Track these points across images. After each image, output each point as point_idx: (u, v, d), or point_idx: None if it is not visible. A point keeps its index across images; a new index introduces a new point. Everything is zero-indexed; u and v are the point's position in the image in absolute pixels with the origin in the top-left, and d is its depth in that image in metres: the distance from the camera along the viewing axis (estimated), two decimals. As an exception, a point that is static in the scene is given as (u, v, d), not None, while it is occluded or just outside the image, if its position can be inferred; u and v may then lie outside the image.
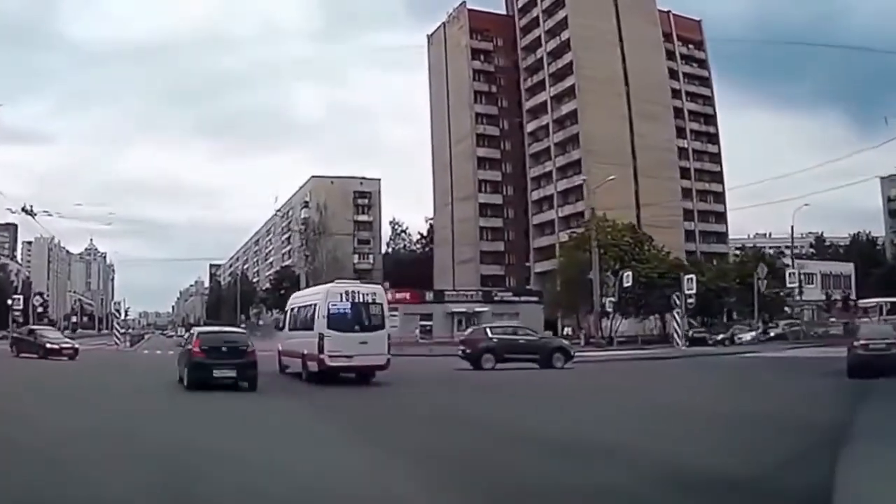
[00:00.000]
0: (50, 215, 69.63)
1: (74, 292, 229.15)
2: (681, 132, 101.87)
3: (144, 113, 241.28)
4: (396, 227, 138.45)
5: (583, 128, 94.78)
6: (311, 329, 24.84)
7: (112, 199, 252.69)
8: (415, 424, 16.28)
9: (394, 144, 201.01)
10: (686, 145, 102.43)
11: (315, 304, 25.52)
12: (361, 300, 25.10)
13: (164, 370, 29.48)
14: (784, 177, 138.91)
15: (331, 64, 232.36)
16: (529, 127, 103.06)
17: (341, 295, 24.91)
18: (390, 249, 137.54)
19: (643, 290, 70.25)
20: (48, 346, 42.08)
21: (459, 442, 13.33)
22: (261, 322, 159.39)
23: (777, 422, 15.13)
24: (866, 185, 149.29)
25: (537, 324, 78.92)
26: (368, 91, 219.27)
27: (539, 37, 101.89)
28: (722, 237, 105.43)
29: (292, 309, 29.65)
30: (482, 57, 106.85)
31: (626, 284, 66.22)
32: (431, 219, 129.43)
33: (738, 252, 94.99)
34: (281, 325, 31.73)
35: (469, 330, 40.38)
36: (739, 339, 64.54)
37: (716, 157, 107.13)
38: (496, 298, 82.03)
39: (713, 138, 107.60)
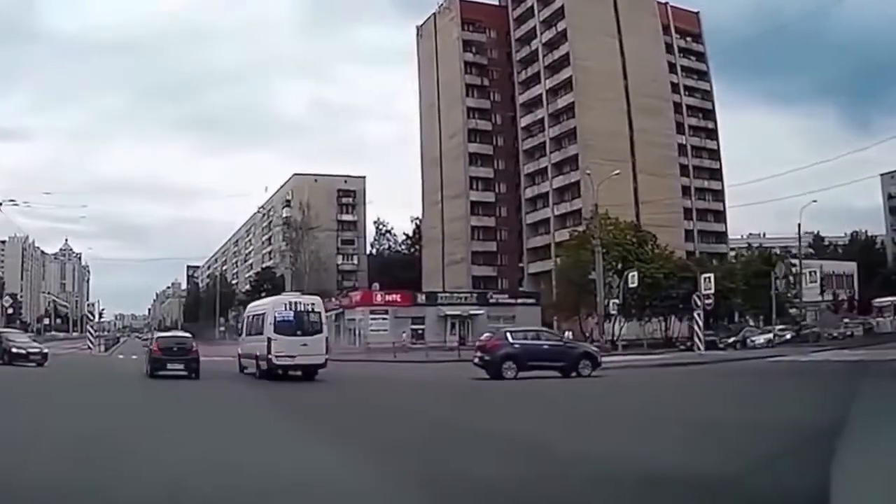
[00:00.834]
0: (16, 204, 64.93)
1: (49, 293, 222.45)
2: (679, 128, 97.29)
3: (123, 109, 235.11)
4: (381, 227, 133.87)
5: (580, 122, 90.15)
6: (262, 334, 28.74)
7: (89, 198, 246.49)
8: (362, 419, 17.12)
9: (379, 143, 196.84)
10: (684, 141, 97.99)
11: (265, 313, 29.58)
12: (303, 309, 28.93)
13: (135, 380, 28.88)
14: (774, 177, 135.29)
15: (315, 60, 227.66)
16: (523, 122, 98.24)
17: (286, 305, 29.12)
18: (374, 250, 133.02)
19: (648, 291, 66.03)
20: (14, 350, 38.56)
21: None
22: (239, 325, 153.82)
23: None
24: (859, 184, 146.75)
25: (534, 326, 74.71)
26: (353, 89, 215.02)
27: (534, 27, 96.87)
28: (721, 237, 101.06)
29: (248, 317, 33.73)
30: (474, 49, 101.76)
31: (631, 285, 61.84)
32: (417, 218, 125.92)
33: (743, 252, 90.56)
34: (239, 331, 36.87)
35: (485, 335, 35.94)
36: (752, 342, 60.61)
37: (714, 154, 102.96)
38: (491, 300, 77.32)
39: (712, 134, 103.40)
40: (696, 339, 46.06)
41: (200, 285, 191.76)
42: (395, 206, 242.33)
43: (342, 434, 13.93)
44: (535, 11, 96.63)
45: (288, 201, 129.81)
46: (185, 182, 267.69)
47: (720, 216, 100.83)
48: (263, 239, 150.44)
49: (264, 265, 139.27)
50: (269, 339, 27.67)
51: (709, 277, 48.54)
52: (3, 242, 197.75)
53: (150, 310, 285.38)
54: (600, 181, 65.66)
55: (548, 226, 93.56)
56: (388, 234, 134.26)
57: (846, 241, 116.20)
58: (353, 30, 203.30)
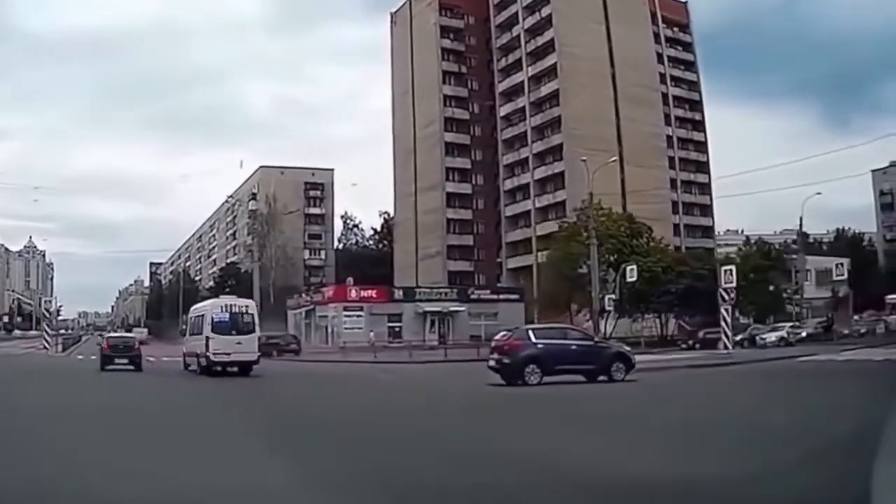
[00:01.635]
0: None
1: (13, 291, 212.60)
2: (665, 118, 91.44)
3: (91, 108, 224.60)
4: (349, 221, 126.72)
5: (565, 110, 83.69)
6: (202, 334, 30.06)
7: (55, 196, 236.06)
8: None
9: (347, 141, 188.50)
10: (671, 132, 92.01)
11: (204, 315, 31.06)
12: (237, 311, 30.67)
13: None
14: (751, 171, 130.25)
15: (283, 59, 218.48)
16: (502, 110, 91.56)
17: (222, 307, 30.97)
18: (341, 245, 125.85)
19: (646, 286, 59.79)
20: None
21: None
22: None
23: None
24: (841, 182, 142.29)
25: (518, 324, 67.99)
26: (322, 87, 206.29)
27: (516, 13, 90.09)
28: (708, 231, 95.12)
29: (191, 318, 35.05)
30: (451, 35, 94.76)
31: (630, 279, 55.81)
32: (386, 213, 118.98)
33: (741, 246, 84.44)
34: (183, 331, 39.47)
35: (501, 334, 29.06)
36: (762, 340, 54.58)
37: (701, 146, 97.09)
38: (473, 297, 70.60)
39: (699, 126, 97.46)
40: (725, 338, 39.61)
41: (163, 282, 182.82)
42: (362, 205, 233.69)
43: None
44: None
45: (254, 194, 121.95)
46: (153, 180, 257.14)
47: (707, 210, 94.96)
48: (228, 234, 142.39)
49: (229, 260, 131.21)
50: (208, 338, 29.25)
51: (731, 270, 42.10)
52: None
53: (113, 307, 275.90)
54: (595, 169, 59.07)
55: (528, 218, 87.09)
56: (355, 229, 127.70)
57: (831, 239, 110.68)
58: (322, 28, 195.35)
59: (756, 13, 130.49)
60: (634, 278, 55.83)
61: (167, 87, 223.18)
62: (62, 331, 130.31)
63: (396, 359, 48.79)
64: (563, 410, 18.53)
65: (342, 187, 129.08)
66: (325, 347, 64.00)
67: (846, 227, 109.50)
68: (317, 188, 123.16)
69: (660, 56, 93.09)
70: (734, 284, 42.54)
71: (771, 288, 68.25)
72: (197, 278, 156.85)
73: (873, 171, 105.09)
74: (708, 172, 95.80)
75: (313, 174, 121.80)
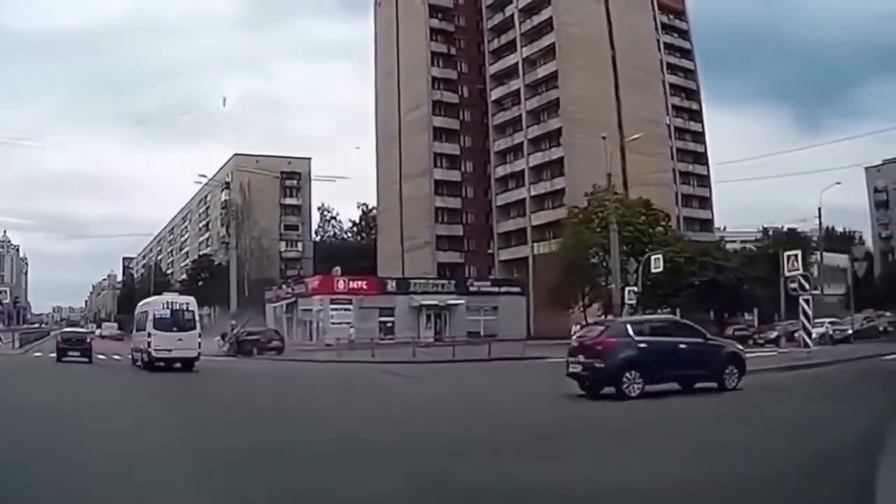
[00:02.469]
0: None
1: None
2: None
3: (61, 104, 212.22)
4: (326, 213, 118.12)
5: (563, 93, 75.77)
6: (145, 330, 29.85)
7: (28, 192, 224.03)
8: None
9: (321, 136, 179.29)
10: (668, 122, 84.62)
11: (147, 311, 30.81)
12: (178, 308, 30.20)
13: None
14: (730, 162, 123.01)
15: (255, 54, 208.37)
16: (494, 94, 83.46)
17: (164, 304, 30.68)
18: (318, 238, 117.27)
19: (668, 277, 52.29)
20: None
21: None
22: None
23: None
24: (826, 180, 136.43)
25: (519, 320, 60.16)
26: (293, 82, 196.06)
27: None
28: (707, 224, 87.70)
29: (136, 315, 34.28)
30: (440, 15, 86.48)
31: (655, 270, 48.35)
32: (365, 205, 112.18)
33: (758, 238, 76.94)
34: (131, 327, 39.27)
35: (582, 328, 21.13)
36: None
37: (699, 137, 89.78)
38: (472, 289, 62.49)
39: (696, 115, 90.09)
40: (805, 334, 31.84)
41: (135, 276, 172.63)
42: (337, 199, 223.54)
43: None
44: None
45: (227, 183, 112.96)
46: (127, 175, 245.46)
47: (706, 202, 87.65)
48: (200, 225, 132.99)
49: (201, 252, 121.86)
50: (149, 335, 28.78)
51: (796, 255, 34.30)
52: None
53: (86, 302, 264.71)
54: (631, 139, 51.62)
55: (522, 208, 79.17)
56: (333, 221, 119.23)
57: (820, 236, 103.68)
58: (295, 23, 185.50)
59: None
60: (660, 268, 48.67)
61: (140, 83, 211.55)
62: (36, 325, 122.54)
63: (397, 358, 40.74)
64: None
65: (319, 180, 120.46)
66: (309, 344, 55.73)
67: (832, 226, 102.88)
68: (293, 177, 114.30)
69: (657, 43, 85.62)
70: (800, 271, 34.90)
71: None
72: (169, 272, 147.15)
73: (867, 168, 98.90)
74: (706, 164, 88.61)
75: (289, 163, 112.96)
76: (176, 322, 29.30)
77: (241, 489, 7.99)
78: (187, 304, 30.92)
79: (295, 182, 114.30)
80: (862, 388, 19.80)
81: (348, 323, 55.35)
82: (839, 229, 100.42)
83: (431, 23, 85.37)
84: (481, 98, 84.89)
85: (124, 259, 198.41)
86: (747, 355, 21.33)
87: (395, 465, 9.30)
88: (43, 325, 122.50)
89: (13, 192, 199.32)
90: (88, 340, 37.48)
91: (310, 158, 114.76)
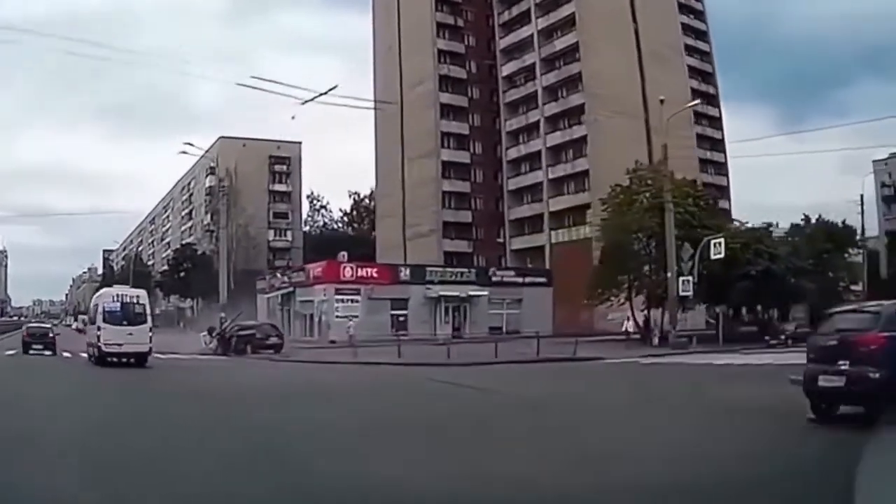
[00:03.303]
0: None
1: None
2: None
3: (40, 95, 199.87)
4: (315, 201, 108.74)
5: (585, 66, 66.78)
6: (96, 324, 28.21)
7: (6, 186, 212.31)
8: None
9: (303, 125, 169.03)
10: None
11: (98, 304, 28.84)
12: (129, 301, 28.01)
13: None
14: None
15: (237, 46, 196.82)
16: (505, 70, 74.21)
17: (114, 297, 28.42)
18: (307, 228, 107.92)
19: (724, 268, 43.54)
20: None
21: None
22: (157, 310, 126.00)
23: None
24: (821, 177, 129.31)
25: (544, 314, 51.19)
26: (276, 72, 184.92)
27: (522, -40, 73.11)
28: (726, 215, 78.95)
29: (91, 308, 34.27)
30: (446, -17, 77.42)
31: (715, 256, 40.24)
32: (356, 193, 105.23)
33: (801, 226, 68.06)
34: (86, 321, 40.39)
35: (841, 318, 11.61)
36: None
37: (716, 122, 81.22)
38: (495, 279, 53.24)
39: (713, 100, 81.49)
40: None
41: (115, 268, 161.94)
42: (328, 191, 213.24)
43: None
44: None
45: (212, 168, 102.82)
46: (106, 168, 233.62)
47: (724, 191, 78.94)
48: (183, 214, 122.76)
49: (184, 242, 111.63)
50: (99, 328, 27.24)
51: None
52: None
53: (67, 295, 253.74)
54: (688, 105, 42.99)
55: (536, 192, 70.19)
56: (322, 210, 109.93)
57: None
58: (280, 14, 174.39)
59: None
60: (721, 254, 40.16)
61: (119, 74, 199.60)
62: (16, 318, 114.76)
63: (426, 358, 31.99)
64: None
65: (307, 168, 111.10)
66: (310, 340, 46.51)
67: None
68: (282, 162, 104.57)
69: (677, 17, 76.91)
70: None
71: (830, 275, 53.18)
72: (150, 262, 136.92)
73: (875, 161, 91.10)
74: (724, 151, 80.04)
75: (279, 147, 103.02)
76: (126, 316, 27.20)
77: None
78: (138, 296, 28.91)
79: (284, 167, 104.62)
80: None
81: (355, 316, 46.16)
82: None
83: (437, -9, 76.08)
84: (490, 74, 75.71)
85: (104, 251, 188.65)
86: None
87: None
88: (22, 318, 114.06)
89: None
90: (51, 335, 38.59)
91: (300, 143, 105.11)
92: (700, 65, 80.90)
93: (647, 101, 68.20)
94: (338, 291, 47.34)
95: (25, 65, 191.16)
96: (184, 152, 47.23)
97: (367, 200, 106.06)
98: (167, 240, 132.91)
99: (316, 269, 50.41)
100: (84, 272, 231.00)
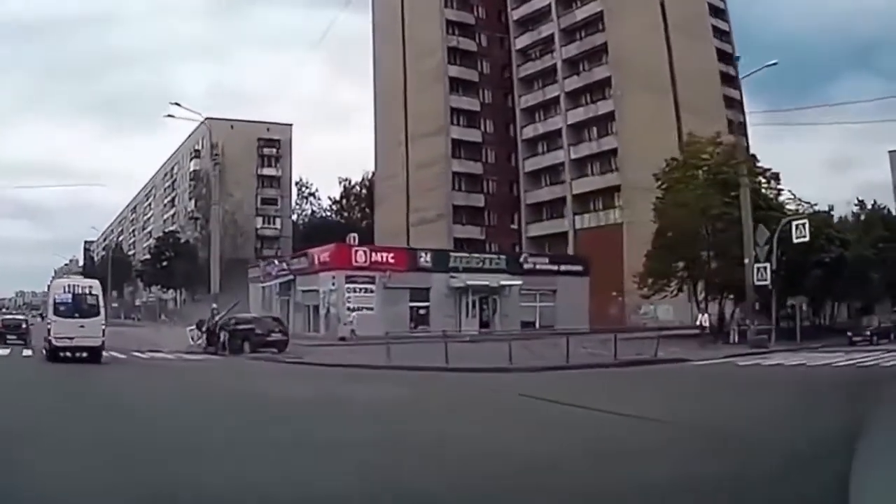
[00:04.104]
0: None
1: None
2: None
3: (25, 91, 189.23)
4: (304, 188, 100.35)
5: (611, 36, 59.38)
6: (47, 317, 26.65)
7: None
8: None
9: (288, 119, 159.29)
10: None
11: (49, 296, 27.22)
12: (80, 292, 25.23)
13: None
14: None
15: (221, 42, 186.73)
16: (519, 42, 66.60)
17: (65, 287, 25.56)
18: (295, 216, 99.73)
19: (797, 255, 36.24)
20: None
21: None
22: (137, 302, 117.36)
23: None
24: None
25: (580, 307, 43.65)
26: (260, 70, 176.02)
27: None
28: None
29: (45, 301, 33.55)
30: (453, -51, 69.32)
31: (798, 239, 33.86)
32: (346, 179, 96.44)
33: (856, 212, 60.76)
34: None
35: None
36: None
37: (737, 104, 73.92)
38: (527, 266, 45.25)
39: (732, 81, 74.28)
40: None
41: (96, 259, 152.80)
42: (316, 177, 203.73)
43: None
44: None
45: (197, 151, 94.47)
46: (91, 162, 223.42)
47: (750, 177, 71.81)
48: (166, 201, 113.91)
49: (168, 230, 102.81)
50: (50, 322, 25.07)
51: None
52: None
53: (48, 287, 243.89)
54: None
55: (556, 173, 62.64)
56: (311, 198, 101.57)
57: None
58: (261, 10, 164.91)
59: None
60: (806, 237, 33.94)
61: (104, 70, 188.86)
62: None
63: (475, 361, 24.50)
64: None
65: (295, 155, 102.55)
66: (315, 336, 38.63)
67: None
68: (272, 145, 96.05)
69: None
70: None
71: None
72: (131, 253, 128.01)
73: (891, 151, 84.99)
74: (745, 135, 72.69)
75: (268, 129, 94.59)
76: (78, 308, 24.53)
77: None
78: (90, 287, 25.95)
79: (274, 150, 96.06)
80: None
81: (358, 309, 38.32)
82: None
83: (443, -43, 68.05)
84: (501, 47, 67.94)
85: (85, 242, 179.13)
86: None
87: None
88: (3, 310, 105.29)
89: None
90: (24, 326, 37.66)
91: (290, 125, 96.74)
92: (720, 45, 73.75)
93: (675, 77, 61.05)
94: (349, 279, 39.21)
95: (15, 63, 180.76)
96: (170, 115, 38.69)
97: (357, 188, 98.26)
98: (149, 229, 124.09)
99: (322, 253, 41.98)
100: (66, 263, 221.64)
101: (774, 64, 36.25)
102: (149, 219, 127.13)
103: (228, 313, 34.37)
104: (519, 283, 42.33)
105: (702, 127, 56.20)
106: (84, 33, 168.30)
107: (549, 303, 44.13)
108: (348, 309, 38.36)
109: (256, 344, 30.80)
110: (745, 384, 20.19)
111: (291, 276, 44.59)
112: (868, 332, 36.29)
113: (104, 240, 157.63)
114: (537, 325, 42.47)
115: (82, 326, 24.15)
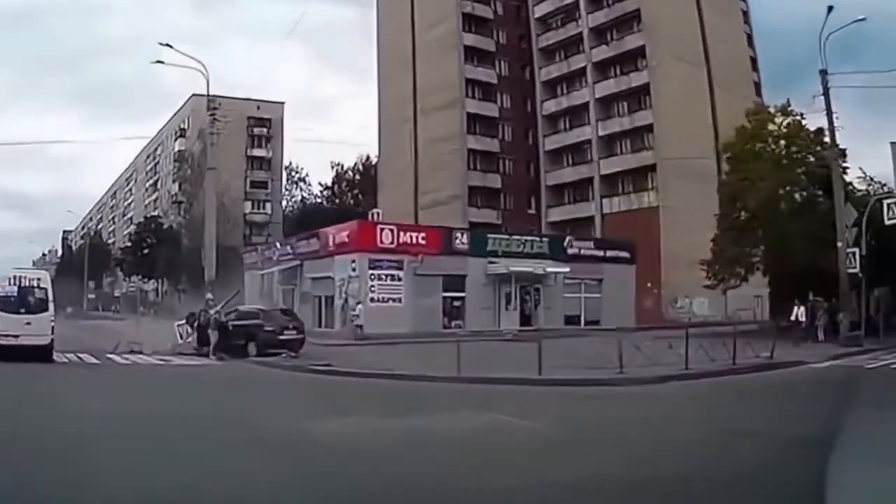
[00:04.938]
0: None
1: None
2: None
3: (11, 81, 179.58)
4: (294, 173, 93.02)
5: (643, 3, 52.77)
6: None
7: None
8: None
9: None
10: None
11: None
12: (27, 285, 22.53)
13: None
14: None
15: (207, 32, 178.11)
16: (538, 10, 59.72)
17: (10, 280, 22.65)
18: (284, 202, 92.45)
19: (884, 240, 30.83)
20: None
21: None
22: (117, 293, 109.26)
23: None
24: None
25: (626, 298, 36.99)
26: (244, 62, 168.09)
27: None
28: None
29: None
30: None
31: (891, 221, 29.11)
32: (339, 164, 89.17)
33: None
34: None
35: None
36: None
37: (756, 88, 68.05)
38: (571, 251, 38.25)
39: (754, 64, 68.27)
40: None
41: (74, 248, 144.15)
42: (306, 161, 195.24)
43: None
44: None
45: (183, 130, 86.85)
46: (75, 152, 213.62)
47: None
48: (148, 185, 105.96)
49: (150, 214, 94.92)
50: None
51: None
52: None
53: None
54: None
55: (581, 152, 56.05)
56: (301, 183, 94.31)
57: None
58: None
59: None
60: None
61: (87, 59, 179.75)
62: None
63: (560, 370, 17.79)
64: None
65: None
66: (329, 333, 31.61)
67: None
68: (262, 124, 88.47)
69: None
70: None
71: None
72: (111, 241, 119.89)
73: (892, 143, 79.58)
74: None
75: (258, 107, 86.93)
76: (23, 302, 21.59)
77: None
78: (38, 280, 22.75)
79: (265, 130, 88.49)
80: None
81: (397, 300, 31.36)
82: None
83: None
84: (518, 16, 60.99)
85: (64, 232, 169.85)
86: None
87: None
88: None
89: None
90: None
91: (283, 103, 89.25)
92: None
93: (709, 51, 54.53)
94: (372, 264, 32.07)
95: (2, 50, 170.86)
96: (159, 61, 31.57)
97: (350, 173, 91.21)
98: (129, 214, 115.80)
99: (339, 233, 34.37)
100: (44, 254, 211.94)
101: (863, 19, 30.25)
102: (129, 204, 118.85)
103: (227, 305, 27.38)
104: (566, 269, 35.48)
105: (731, 107, 50.19)
106: (70, 21, 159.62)
107: (595, 294, 37.42)
108: (372, 300, 31.34)
109: (265, 344, 23.97)
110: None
111: (297, 262, 37.29)
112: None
113: (83, 228, 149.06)
114: (582, 320, 35.77)
115: (28, 323, 21.43)
